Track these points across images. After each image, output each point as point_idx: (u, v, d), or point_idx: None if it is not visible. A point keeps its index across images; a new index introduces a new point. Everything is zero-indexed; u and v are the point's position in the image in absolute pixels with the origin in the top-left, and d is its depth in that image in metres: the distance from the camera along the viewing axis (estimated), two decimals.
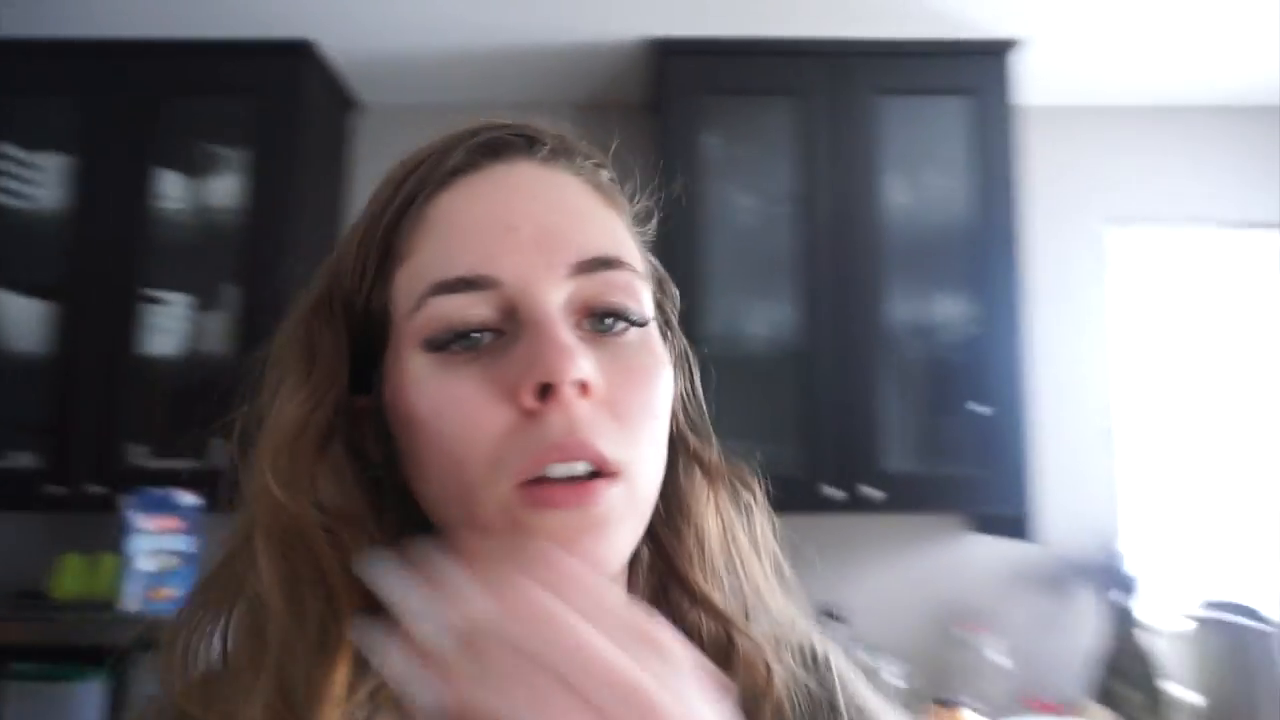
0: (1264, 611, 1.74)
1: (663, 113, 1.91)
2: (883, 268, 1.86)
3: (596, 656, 0.31)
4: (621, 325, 0.44)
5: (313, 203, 2.01)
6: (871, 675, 0.43)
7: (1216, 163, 2.26)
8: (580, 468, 0.40)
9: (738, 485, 0.53)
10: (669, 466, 0.47)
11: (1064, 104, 2.24)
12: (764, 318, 1.89)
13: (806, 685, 0.50)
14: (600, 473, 0.41)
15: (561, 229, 0.44)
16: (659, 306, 0.50)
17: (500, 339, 0.42)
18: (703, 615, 0.50)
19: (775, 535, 0.54)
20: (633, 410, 0.43)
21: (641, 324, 0.45)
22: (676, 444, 0.51)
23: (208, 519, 1.67)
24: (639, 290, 0.45)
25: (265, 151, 1.90)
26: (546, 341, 0.40)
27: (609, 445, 0.41)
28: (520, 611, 0.32)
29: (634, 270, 0.45)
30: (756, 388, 1.76)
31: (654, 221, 0.54)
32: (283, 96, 1.92)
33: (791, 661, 0.51)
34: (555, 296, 0.42)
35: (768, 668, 0.49)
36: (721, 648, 0.50)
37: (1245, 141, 2.26)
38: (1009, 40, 1.92)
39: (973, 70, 1.93)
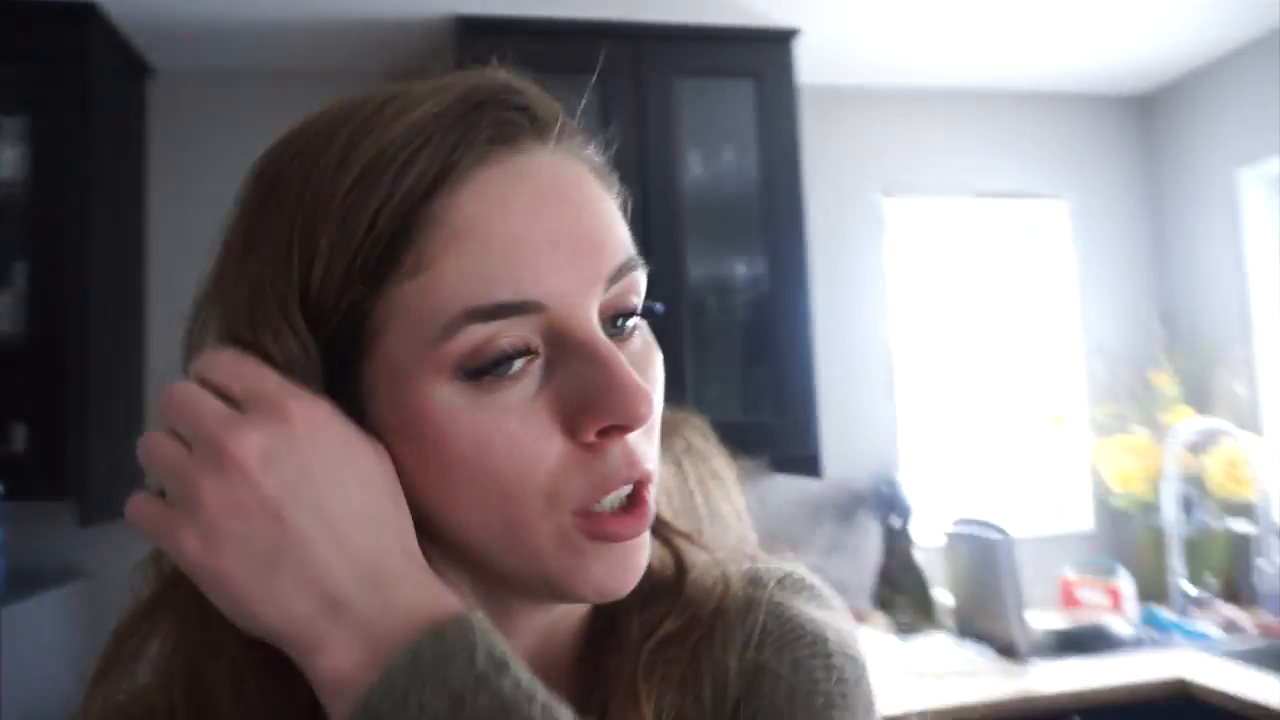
0: (1001, 524, 2.07)
1: None
2: (682, 235, 2.03)
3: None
4: (632, 322, 0.42)
5: (108, 172, 1.93)
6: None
7: (975, 140, 2.59)
8: (629, 488, 0.40)
9: (683, 428, 0.52)
10: None
11: (846, 84, 2.49)
12: None
13: (757, 609, 0.47)
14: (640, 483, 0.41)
15: (594, 237, 0.40)
16: None
17: (538, 361, 0.39)
18: (651, 533, 0.48)
19: (727, 475, 0.52)
20: (654, 416, 0.42)
21: (643, 316, 0.44)
22: None
23: (10, 507, 1.61)
24: (642, 281, 0.43)
25: (50, 120, 1.80)
26: (615, 379, 0.38)
27: (652, 460, 0.41)
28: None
29: (643, 265, 0.43)
30: None
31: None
32: (66, 62, 1.82)
33: (741, 585, 0.49)
34: (595, 315, 0.40)
35: (718, 587, 0.48)
36: (670, 571, 0.49)
37: (999, 123, 2.60)
38: (791, 29, 2.12)
39: (759, 55, 2.11)
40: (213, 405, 0.36)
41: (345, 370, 0.39)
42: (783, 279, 2.09)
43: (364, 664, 0.34)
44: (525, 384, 0.38)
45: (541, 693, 0.34)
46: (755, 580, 0.49)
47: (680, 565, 0.48)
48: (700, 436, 0.53)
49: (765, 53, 2.12)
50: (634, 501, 0.40)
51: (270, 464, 0.35)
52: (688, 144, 2.07)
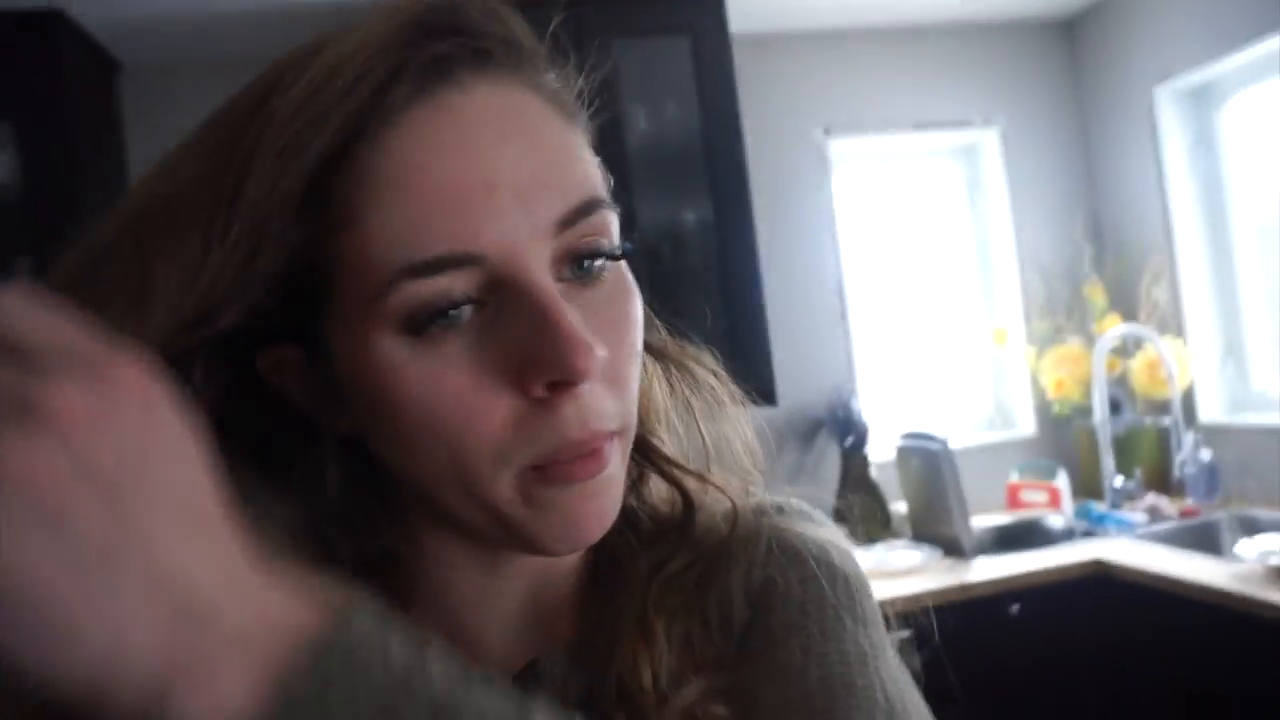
0: (942, 436, 2.26)
1: None
2: (633, 188, 2.18)
3: None
4: (599, 264, 0.40)
5: (92, 168, 2.07)
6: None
7: (909, 75, 2.71)
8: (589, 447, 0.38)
9: (690, 365, 0.51)
10: None
11: (780, 30, 2.60)
12: None
13: (760, 536, 0.46)
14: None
15: (541, 178, 0.37)
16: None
17: (484, 310, 0.37)
18: (657, 473, 0.48)
19: (738, 413, 0.51)
20: (623, 366, 0.40)
21: (616, 258, 0.41)
22: None
23: None
24: (612, 222, 0.40)
25: (33, 123, 1.94)
26: (555, 332, 0.35)
27: (613, 418, 0.39)
28: None
29: (608, 204, 0.40)
30: None
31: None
32: (40, 67, 1.95)
33: (748, 517, 0.47)
34: (543, 262, 0.37)
35: (726, 523, 0.46)
36: (678, 509, 0.48)
37: (930, 55, 2.73)
38: None
39: (693, 10, 2.24)
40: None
41: (315, 321, 0.38)
42: (729, 223, 2.24)
43: (251, 689, 0.25)
44: (470, 336, 0.37)
45: (465, 671, 0.28)
46: (759, 510, 0.48)
47: (688, 503, 0.47)
48: (708, 372, 0.51)
49: (697, 7, 2.24)
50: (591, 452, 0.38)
51: (98, 429, 0.24)
52: (631, 101, 2.21)
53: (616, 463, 0.40)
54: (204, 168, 0.36)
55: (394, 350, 0.37)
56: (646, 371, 0.48)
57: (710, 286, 2.29)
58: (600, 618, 0.45)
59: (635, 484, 0.49)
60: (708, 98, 2.24)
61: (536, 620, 0.46)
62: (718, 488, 0.48)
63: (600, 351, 0.37)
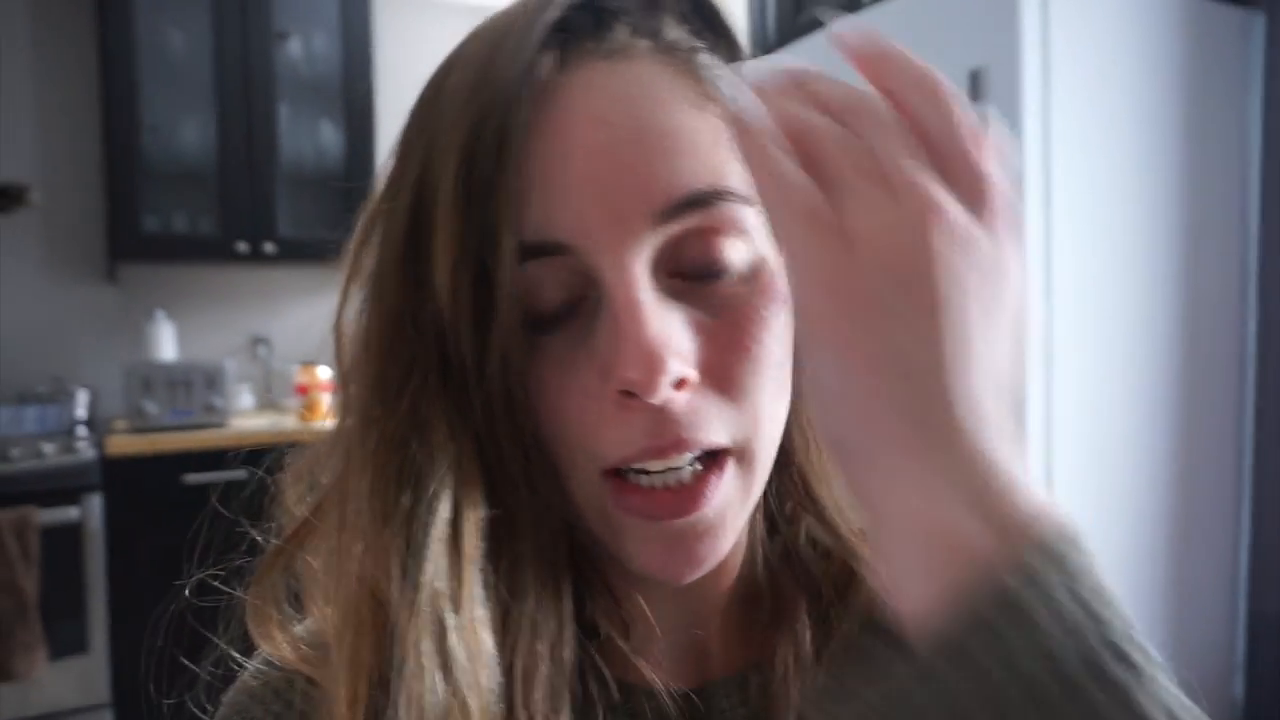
0: None
1: None
2: (281, 102, 2.60)
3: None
4: (732, 263, 0.36)
5: None
6: None
7: None
8: (683, 460, 0.35)
9: None
10: None
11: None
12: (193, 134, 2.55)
13: None
14: (710, 457, 0.36)
15: (638, 168, 0.34)
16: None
17: (585, 303, 0.35)
18: (825, 532, 0.43)
19: None
20: (741, 375, 0.36)
21: (744, 269, 0.37)
22: None
23: None
24: (740, 220, 0.36)
25: None
26: (625, 340, 0.33)
27: (719, 431, 0.35)
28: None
29: (733, 196, 0.36)
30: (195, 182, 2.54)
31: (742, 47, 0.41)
32: None
33: None
34: (635, 259, 0.34)
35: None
36: (843, 569, 0.43)
37: None
38: None
39: None
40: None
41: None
42: (359, 141, 2.74)
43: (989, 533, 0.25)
44: (573, 332, 0.35)
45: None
46: None
47: (849, 570, 0.43)
48: None
49: None
50: (693, 484, 0.35)
51: (973, 244, 0.27)
52: (286, 30, 2.62)
53: (727, 502, 0.36)
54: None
55: (510, 333, 0.35)
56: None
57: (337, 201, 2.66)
58: (759, 660, 0.43)
59: (791, 518, 0.44)
60: (349, 32, 2.71)
61: (689, 644, 0.43)
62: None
63: (679, 366, 0.34)
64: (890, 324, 0.26)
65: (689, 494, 0.35)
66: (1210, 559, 1.78)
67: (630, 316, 0.33)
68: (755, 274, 0.37)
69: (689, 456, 0.35)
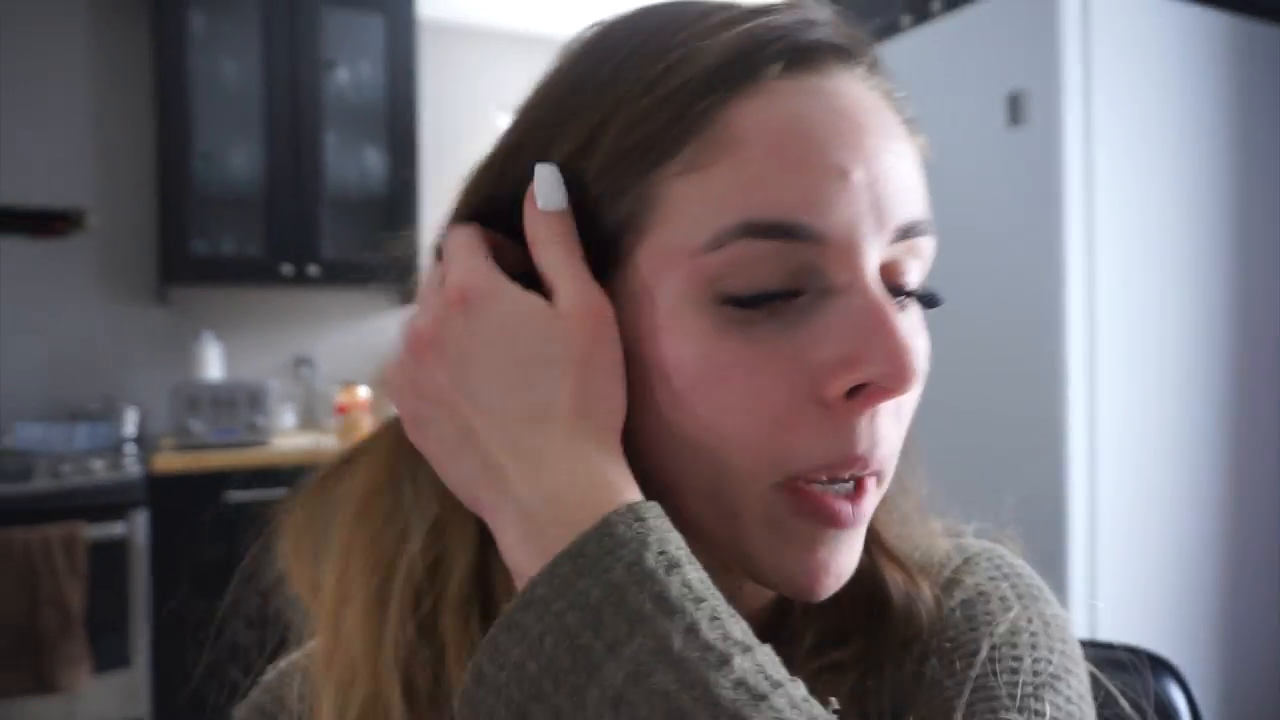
0: None
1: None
2: (328, 129, 2.68)
3: None
4: (912, 286, 0.37)
5: None
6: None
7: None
8: (853, 472, 0.35)
9: None
10: None
11: (464, 21, 3.16)
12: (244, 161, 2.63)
13: (953, 625, 0.41)
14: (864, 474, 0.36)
15: (889, 179, 0.35)
16: None
17: (799, 300, 0.35)
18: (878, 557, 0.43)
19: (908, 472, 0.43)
20: (908, 405, 0.37)
21: (927, 304, 0.38)
22: None
23: None
24: (930, 253, 0.38)
25: None
26: (888, 331, 0.33)
27: (889, 454, 0.36)
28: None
29: (933, 233, 0.37)
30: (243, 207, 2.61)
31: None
32: None
33: (936, 599, 0.43)
34: (875, 263, 0.35)
35: (912, 627, 0.41)
36: (876, 585, 0.42)
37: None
38: None
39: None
40: (433, 278, 0.38)
41: (601, 270, 0.36)
42: (403, 169, 2.80)
43: (519, 543, 0.32)
44: (780, 321, 0.34)
45: (713, 598, 0.30)
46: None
47: (881, 595, 0.42)
48: None
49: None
50: (856, 495, 0.36)
51: (443, 352, 0.35)
52: (334, 59, 2.71)
53: (868, 513, 0.37)
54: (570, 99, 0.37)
55: (700, 315, 0.34)
56: None
57: (381, 218, 2.79)
58: None
59: None
60: (396, 66, 2.79)
61: None
62: (913, 581, 0.43)
63: (923, 365, 0.35)
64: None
65: (858, 504, 0.36)
66: (1262, 554, 1.75)
67: (890, 312, 0.34)
68: (918, 309, 0.38)
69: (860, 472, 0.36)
